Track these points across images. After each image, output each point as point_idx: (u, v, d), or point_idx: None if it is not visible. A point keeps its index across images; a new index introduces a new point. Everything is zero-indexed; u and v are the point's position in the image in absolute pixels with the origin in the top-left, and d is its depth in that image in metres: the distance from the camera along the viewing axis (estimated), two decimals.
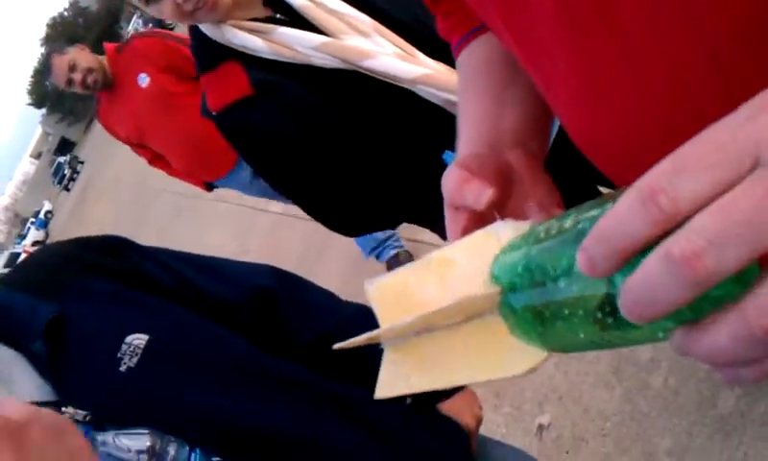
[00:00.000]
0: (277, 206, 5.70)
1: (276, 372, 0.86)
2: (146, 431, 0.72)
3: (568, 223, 0.33)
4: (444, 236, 1.39)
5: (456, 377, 0.41)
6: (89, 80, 2.79)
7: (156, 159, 3.13)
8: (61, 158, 41.66)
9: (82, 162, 38.42)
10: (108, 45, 2.99)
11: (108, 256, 0.90)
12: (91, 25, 56.31)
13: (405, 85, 1.12)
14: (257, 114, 1.15)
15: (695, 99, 0.42)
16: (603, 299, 0.30)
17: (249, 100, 1.15)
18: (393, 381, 0.44)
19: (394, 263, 3.22)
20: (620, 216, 0.27)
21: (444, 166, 1.16)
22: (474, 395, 1.02)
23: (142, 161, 3.25)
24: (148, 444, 0.71)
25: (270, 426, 0.81)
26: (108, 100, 2.97)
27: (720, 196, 0.25)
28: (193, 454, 0.73)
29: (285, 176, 1.22)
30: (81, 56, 2.80)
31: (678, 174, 0.26)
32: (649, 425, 1.87)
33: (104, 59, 2.89)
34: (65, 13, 60.91)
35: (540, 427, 2.15)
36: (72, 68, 2.76)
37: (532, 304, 0.35)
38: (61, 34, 58.28)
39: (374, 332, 0.43)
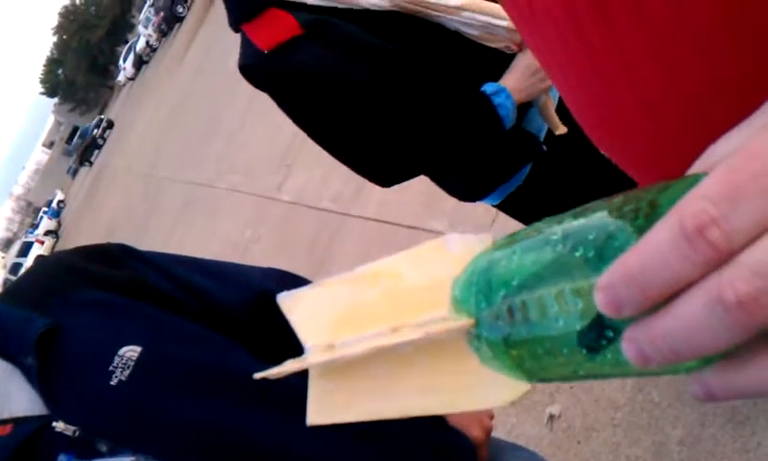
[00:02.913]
0: (289, 195, 5.72)
1: (278, 386, 0.84)
2: (131, 458, 0.71)
3: (567, 245, 0.27)
4: (464, 198, 1.35)
5: (415, 406, 0.35)
6: None
7: None
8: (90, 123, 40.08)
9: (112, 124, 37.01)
10: None
11: (108, 266, 0.89)
12: (104, 13, 56.42)
13: (450, 15, 1.14)
14: (309, 53, 1.15)
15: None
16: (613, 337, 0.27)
17: (300, 38, 1.14)
18: (329, 407, 0.38)
19: None
20: (658, 253, 0.23)
21: (484, 97, 1.18)
22: None
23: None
24: None
25: (268, 444, 0.79)
26: None
27: None
28: None
29: (326, 120, 1.21)
30: None
31: (733, 201, 0.21)
32: (660, 415, 1.86)
33: None
34: (77, 2, 60.95)
35: (551, 417, 2.15)
36: None
37: (518, 340, 0.30)
38: (74, 22, 58.47)
39: (319, 359, 0.37)
